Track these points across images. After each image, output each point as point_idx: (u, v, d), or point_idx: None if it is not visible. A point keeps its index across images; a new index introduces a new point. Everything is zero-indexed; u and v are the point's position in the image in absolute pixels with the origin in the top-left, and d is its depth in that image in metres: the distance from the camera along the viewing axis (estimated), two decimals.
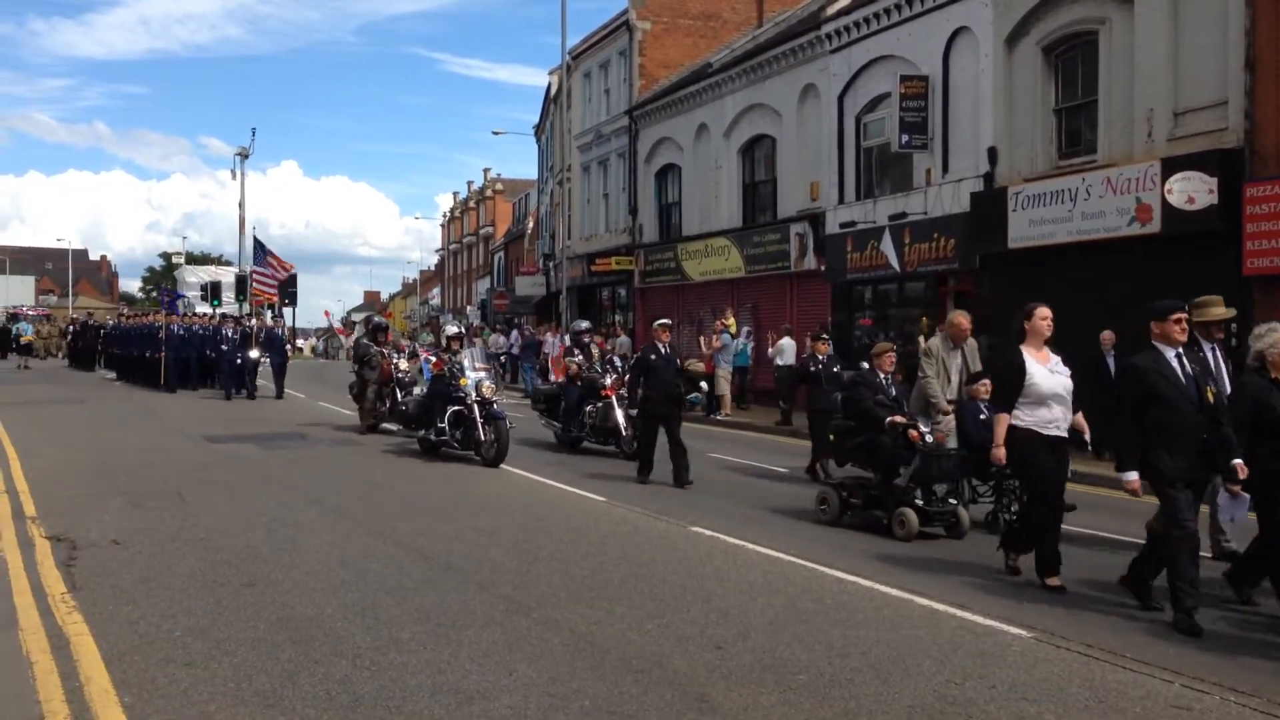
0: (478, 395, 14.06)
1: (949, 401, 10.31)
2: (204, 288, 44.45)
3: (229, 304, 39.43)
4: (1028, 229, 17.67)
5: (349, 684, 5.39)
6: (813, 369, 13.66)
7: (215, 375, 27.11)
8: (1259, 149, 14.44)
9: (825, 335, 14.32)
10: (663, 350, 12.97)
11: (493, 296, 54.50)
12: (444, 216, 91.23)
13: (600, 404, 15.30)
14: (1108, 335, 14.67)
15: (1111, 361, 14.13)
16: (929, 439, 9.70)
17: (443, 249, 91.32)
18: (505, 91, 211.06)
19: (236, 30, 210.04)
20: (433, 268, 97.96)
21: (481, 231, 74.48)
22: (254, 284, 28.24)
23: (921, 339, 17.19)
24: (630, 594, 7.32)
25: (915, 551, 9.12)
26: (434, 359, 15.34)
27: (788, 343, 21.54)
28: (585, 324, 17.33)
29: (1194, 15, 15.41)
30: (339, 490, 11.84)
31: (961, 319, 10.52)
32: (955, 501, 9.82)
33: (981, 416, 9.87)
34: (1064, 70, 17.93)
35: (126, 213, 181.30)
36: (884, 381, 10.29)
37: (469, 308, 68.08)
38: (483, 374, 14.59)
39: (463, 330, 16.51)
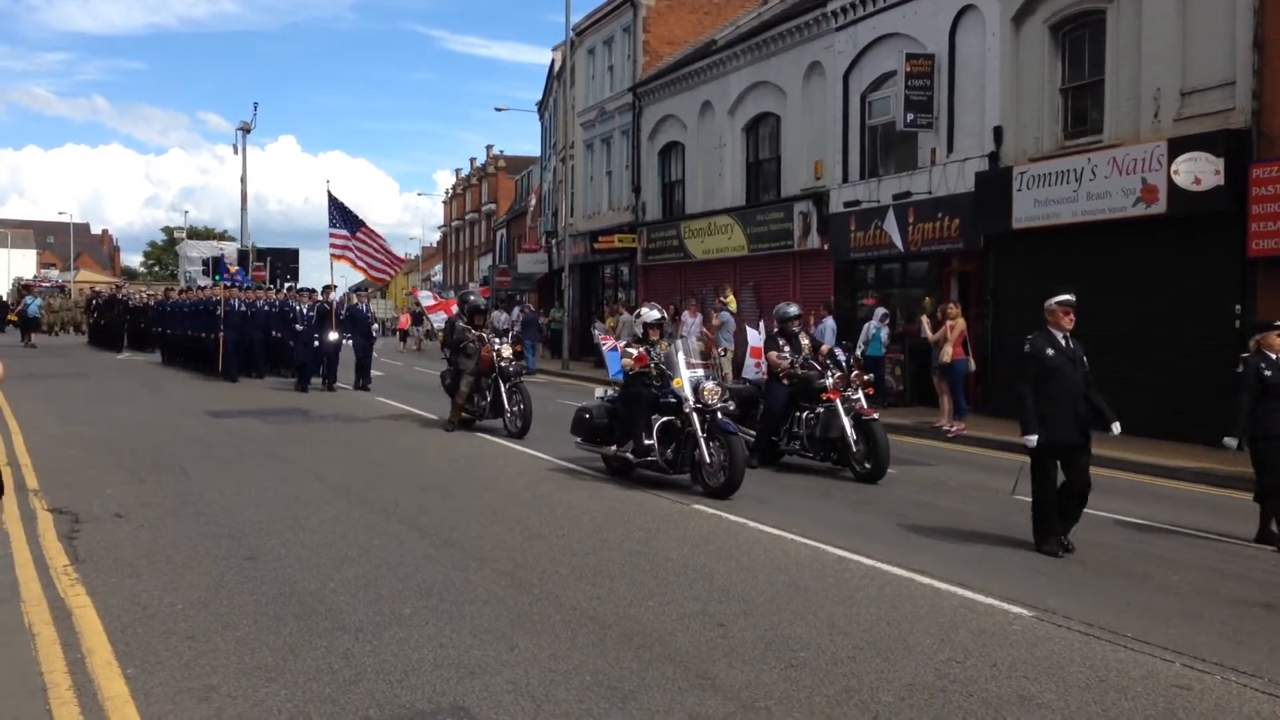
0: (697, 401, 10.74)
1: None
2: (205, 262, 44.32)
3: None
4: (1033, 209, 17.60)
5: (351, 657, 5.40)
6: (1268, 373, 8.93)
7: (286, 361, 23.15)
8: (1266, 129, 14.36)
9: (1278, 324, 9.30)
10: (1063, 343, 8.43)
11: (495, 273, 54.45)
12: (445, 193, 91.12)
13: (821, 409, 12.20)
14: None
15: None
16: None
17: (445, 226, 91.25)
18: (504, 69, 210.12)
19: (233, 5, 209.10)
20: (435, 244, 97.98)
21: (484, 208, 74.40)
22: (333, 251, 22.18)
23: (924, 319, 17.16)
24: (632, 571, 7.33)
25: (917, 530, 9.13)
26: (633, 352, 11.48)
27: None
28: (794, 309, 13.24)
29: None
30: (342, 466, 11.84)
31: None
32: None
33: None
34: (1071, 49, 17.80)
35: (125, 187, 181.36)
36: None
37: (471, 284, 68.06)
38: (700, 372, 11.18)
39: (664, 316, 12.49)
